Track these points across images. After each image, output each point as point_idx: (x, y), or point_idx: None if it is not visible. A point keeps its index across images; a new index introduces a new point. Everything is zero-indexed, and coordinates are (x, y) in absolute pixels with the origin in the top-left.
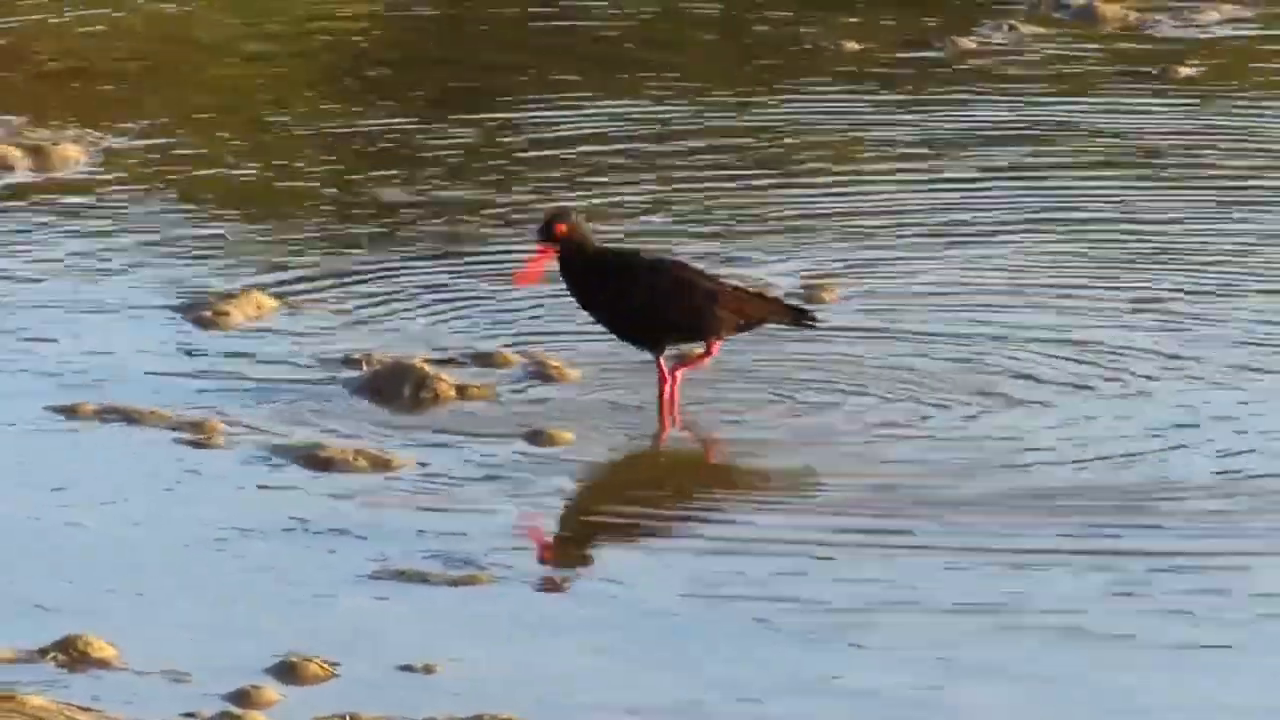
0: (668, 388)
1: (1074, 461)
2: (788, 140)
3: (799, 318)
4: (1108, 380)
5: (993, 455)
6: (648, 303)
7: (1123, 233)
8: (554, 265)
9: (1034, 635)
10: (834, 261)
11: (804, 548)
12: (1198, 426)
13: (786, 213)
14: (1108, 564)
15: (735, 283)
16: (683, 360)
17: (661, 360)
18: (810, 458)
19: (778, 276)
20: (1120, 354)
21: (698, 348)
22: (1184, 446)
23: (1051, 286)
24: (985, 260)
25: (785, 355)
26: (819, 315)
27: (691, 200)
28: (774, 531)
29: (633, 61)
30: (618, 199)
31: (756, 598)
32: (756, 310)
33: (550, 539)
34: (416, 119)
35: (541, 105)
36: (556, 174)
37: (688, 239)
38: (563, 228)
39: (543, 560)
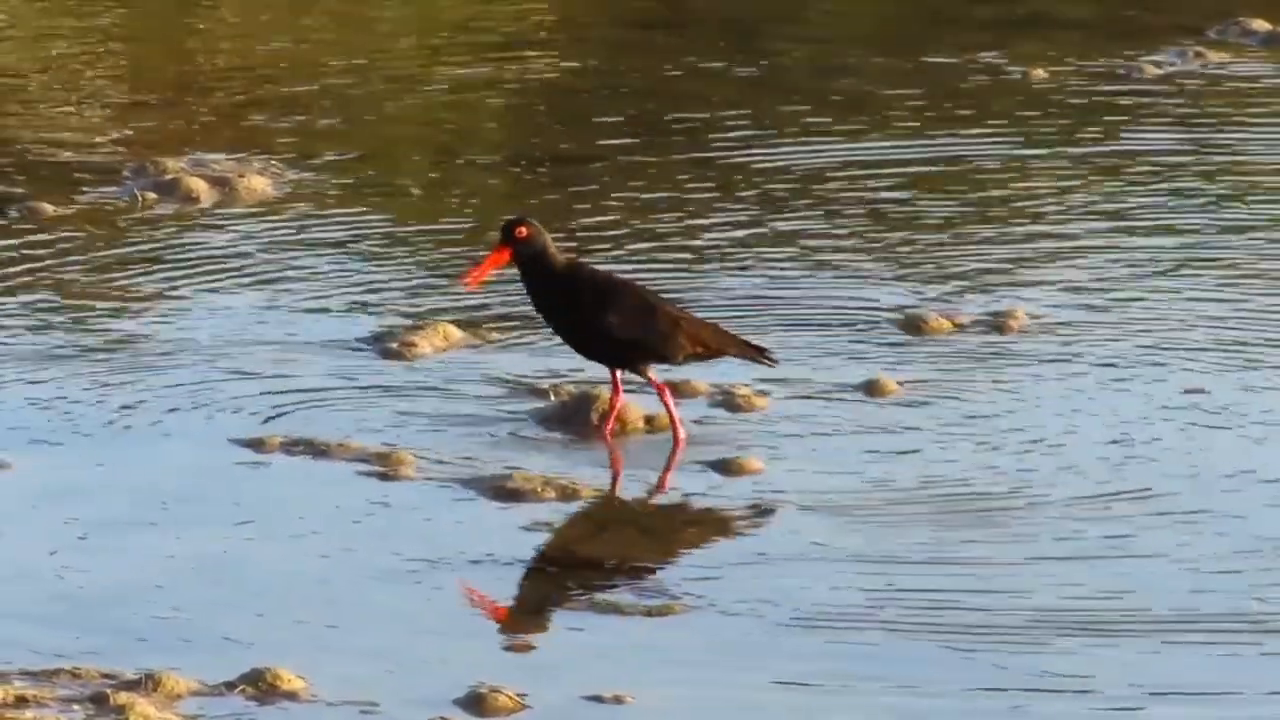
0: (668, 400)
1: None
2: (972, 169)
3: (757, 354)
4: None
5: None
6: (607, 321)
7: None
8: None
9: None
10: (1023, 290)
11: (1000, 576)
12: None
13: (970, 241)
14: None
15: (697, 314)
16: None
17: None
18: (1029, 486)
19: (961, 302)
20: None
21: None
22: None
23: (1244, 315)
24: (1179, 287)
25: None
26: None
27: (873, 228)
28: (974, 562)
29: (817, 88)
30: (802, 228)
31: (956, 629)
32: (715, 340)
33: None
34: (605, 150)
35: (735, 138)
36: (742, 206)
37: (865, 262)
38: (522, 231)
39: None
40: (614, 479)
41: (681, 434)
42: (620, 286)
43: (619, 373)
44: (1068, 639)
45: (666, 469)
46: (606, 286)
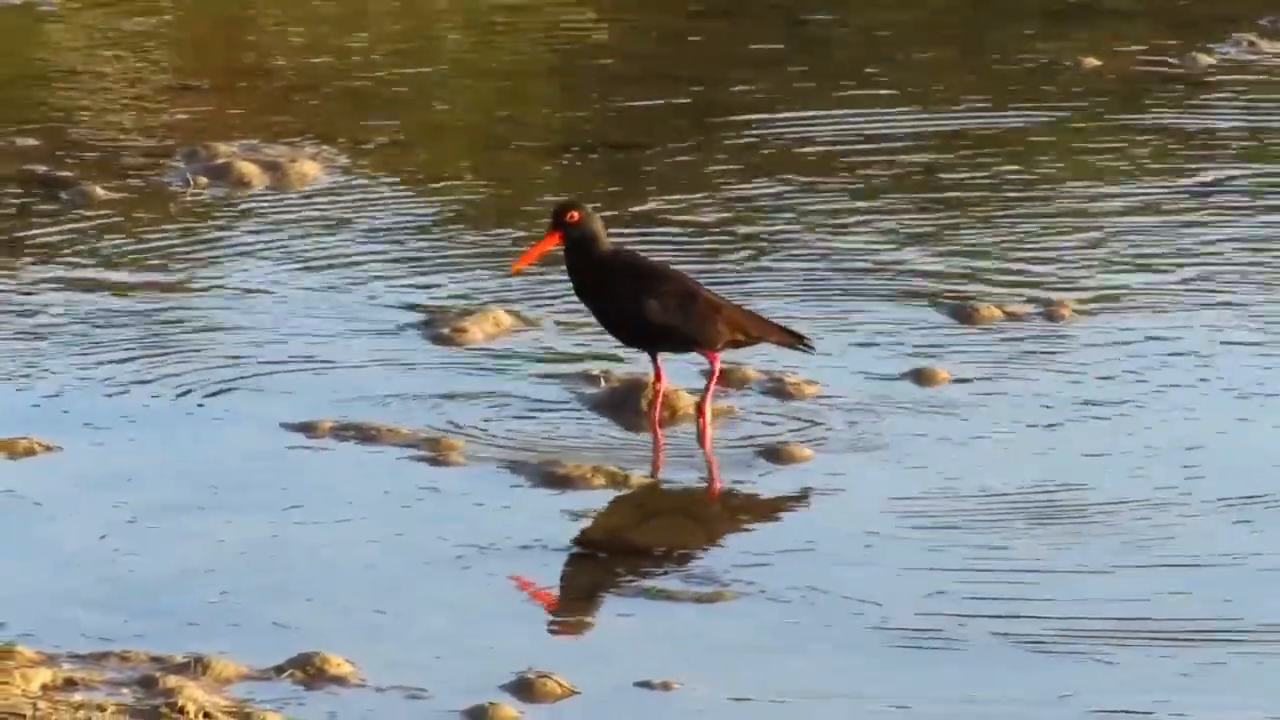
0: (716, 370)
1: None
2: (1022, 156)
3: (796, 341)
4: None
5: None
6: (647, 306)
7: None
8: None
9: None
10: (1074, 277)
11: (1053, 572)
12: None
13: (1018, 229)
14: None
15: (736, 302)
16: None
17: (659, 362)
18: (1077, 475)
19: (1011, 290)
20: None
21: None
22: None
23: None
24: (1229, 277)
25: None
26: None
27: (922, 216)
28: (1018, 551)
29: (868, 76)
30: (852, 216)
31: (1001, 615)
32: (754, 328)
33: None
34: (656, 136)
35: (779, 120)
36: (791, 193)
37: (915, 250)
38: (574, 215)
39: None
40: (663, 466)
41: (706, 417)
42: (661, 272)
43: (659, 358)
44: (1116, 643)
45: (712, 457)
46: (647, 272)
